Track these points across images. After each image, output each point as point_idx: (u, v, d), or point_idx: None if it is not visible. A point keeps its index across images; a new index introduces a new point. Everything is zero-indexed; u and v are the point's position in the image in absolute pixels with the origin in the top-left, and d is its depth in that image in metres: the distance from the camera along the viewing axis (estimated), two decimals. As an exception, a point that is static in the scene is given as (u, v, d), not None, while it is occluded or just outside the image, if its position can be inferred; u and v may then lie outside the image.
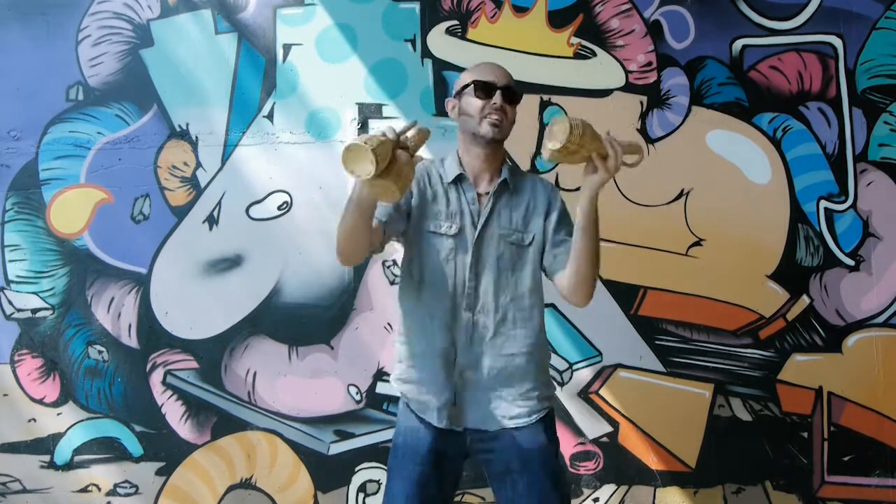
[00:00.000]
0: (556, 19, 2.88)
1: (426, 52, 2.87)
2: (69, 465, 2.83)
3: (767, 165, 2.87)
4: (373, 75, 2.87)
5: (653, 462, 2.81)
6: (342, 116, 2.86)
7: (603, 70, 2.87)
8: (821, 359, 2.83)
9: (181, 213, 2.86)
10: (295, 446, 2.81)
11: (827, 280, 2.84)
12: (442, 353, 1.76)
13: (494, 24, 2.88)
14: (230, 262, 2.85)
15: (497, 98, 1.75)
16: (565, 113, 2.84)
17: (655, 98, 2.87)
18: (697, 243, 2.84)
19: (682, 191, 2.85)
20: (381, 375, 2.81)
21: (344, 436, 2.80)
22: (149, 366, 2.83)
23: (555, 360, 2.78)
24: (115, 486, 2.82)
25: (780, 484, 2.81)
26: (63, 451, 2.84)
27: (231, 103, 2.88)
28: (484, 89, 1.75)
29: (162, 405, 2.82)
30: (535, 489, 1.73)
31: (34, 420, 2.84)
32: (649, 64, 2.88)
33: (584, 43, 2.88)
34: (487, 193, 1.81)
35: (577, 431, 2.81)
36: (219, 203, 2.86)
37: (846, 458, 2.82)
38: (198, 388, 2.82)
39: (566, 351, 2.82)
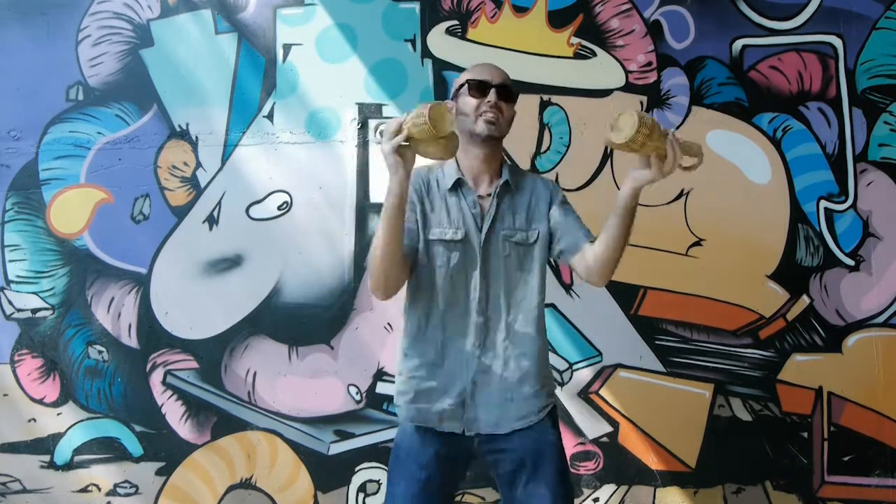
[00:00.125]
0: (556, 19, 2.88)
1: (426, 52, 2.87)
2: (69, 465, 2.83)
3: (767, 165, 2.87)
4: (373, 75, 2.87)
5: (653, 462, 2.81)
6: (342, 116, 2.86)
7: (603, 70, 2.87)
8: (821, 359, 2.83)
9: (181, 213, 2.86)
10: (295, 446, 2.81)
11: (827, 280, 2.84)
12: (455, 360, 1.76)
13: (494, 24, 2.88)
14: (230, 262, 2.85)
15: (492, 96, 1.75)
16: (565, 113, 2.84)
17: (655, 98, 2.87)
18: (697, 243, 2.84)
19: (682, 191, 2.85)
20: (381, 375, 2.81)
21: (344, 436, 2.80)
22: (149, 366, 2.83)
23: (555, 360, 2.78)
24: (115, 486, 2.82)
25: (780, 484, 2.81)
26: (63, 451, 2.84)
27: (231, 103, 2.88)
28: (478, 88, 1.76)
29: (162, 405, 2.82)
30: (545, 486, 1.73)
31: (34, 420, 2.84)
32: (649, 64, 2.88)
33: (584, 43, 2.88)
34: (489, 195, 1.81)
35: (577, 431, 2.81)
36: (219, 203, 2.86)
37: (846, 458, 2.82)
38: (198, 388, 2.82)
39: (566, 351, 2.82)
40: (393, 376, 2.77)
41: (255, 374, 2.82)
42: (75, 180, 2.87)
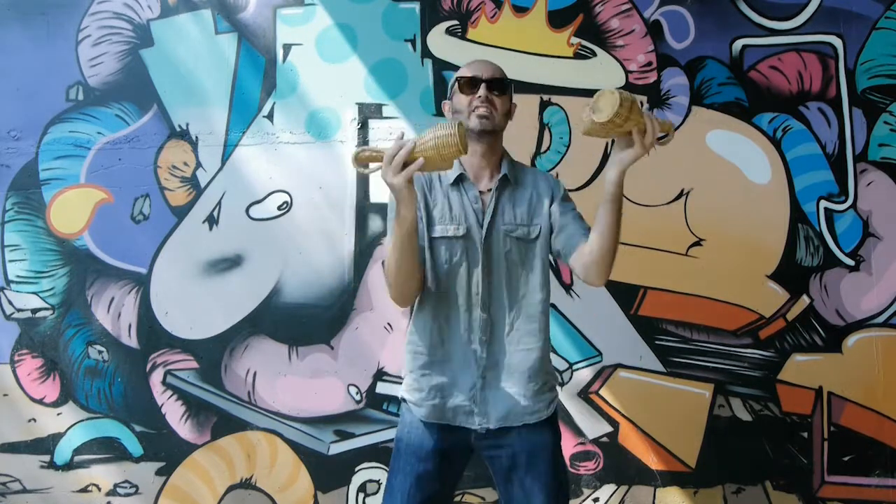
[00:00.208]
0: (556, 19, 2.88)
1: (426, 52, 2.87)
2: (69, 465, 2.83)
3: (767, 165, 2.87)
4: (373, 75, 2.87)
5: (653, 462, 2.81)
6: (342, 116, 2.86)
7: (603, 70, 2.87)
8: (821, 359, 2.83)
9: (181, 213, 2.86)
10: (295, 446, 2.81)
11: (827, 280, 2.84)
12: (462, 356, 1.77)
13: (494, 24, 2.88)
14: (230, 262, 2.85)
15: (482, 90, 1.75)
16: (565, 113, 2.84)
17: (655, 98, 2.87)
18: (697, 243, 2.84)
19: (682, 191, 2.85)
20: (381, 375, 2.81)
21: (344, 436, 2.80)
22: (149, 366, 2.83)
23: (555, 360, 2.77)
24: (115, 486, 2.82)
25: (780, 484, 2.81)
26: (63, 451, 2.84)
27: (231, 103, 2.88)
28: (469, 84, 1.78)
29: (162, 405, 2.82)
30: (541, 484, 1.74)
31: (34, 420, 2.85)
32: (649, 64, 2.88)
33: (584, 43, 2.88)
34: (489, 190, 1.81)
35: (577, 431, 2.81)
36: (219, 203, 2.86)
37: (846, 458, 2.82)
38: (198, 388, 2.82)
39: (566, 351, 2.82)
40: (393, 376, 2.78)
41: (255, 374, 2.82)
42: (75, 180, 2.87)
